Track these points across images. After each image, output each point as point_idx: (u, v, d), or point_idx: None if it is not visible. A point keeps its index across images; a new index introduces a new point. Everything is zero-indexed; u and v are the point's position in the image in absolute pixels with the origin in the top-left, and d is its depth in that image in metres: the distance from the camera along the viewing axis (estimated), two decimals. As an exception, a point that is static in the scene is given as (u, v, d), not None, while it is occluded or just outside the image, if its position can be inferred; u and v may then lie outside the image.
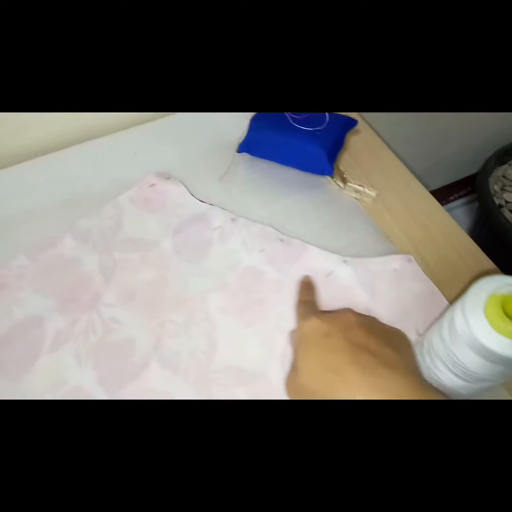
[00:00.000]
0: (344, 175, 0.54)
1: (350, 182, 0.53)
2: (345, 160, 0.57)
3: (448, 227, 0.53)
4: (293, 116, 0.52)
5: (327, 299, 0.45)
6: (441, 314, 0.37)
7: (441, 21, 0.29)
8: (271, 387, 0.40)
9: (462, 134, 1.11)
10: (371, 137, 0.60)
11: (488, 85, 0.31)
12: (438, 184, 1.27)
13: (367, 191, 0.53)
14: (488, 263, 0.50)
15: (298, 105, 0.33)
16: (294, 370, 0.34)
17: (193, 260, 0.48)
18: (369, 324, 0.34)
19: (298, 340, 0.35)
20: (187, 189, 0.52)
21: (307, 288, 0.45)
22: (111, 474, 0.23)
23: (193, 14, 0.29)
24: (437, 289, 0.46)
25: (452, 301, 0.45)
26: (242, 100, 0.32)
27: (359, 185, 0.53)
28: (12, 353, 0.41)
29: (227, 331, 0.43)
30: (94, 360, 0.41)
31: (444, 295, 0.46)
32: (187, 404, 0.26)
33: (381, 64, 0.31)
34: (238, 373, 0.41)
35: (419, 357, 0.39)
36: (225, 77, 0.31)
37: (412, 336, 0.42)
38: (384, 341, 0.33)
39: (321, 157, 0.51)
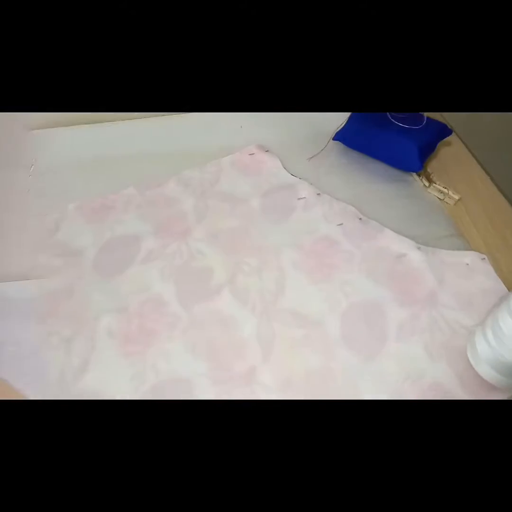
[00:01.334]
0: (431, 176, 0.57)
1: (436, 183, 0.56)
2: (433, 166, 0.60)
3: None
4: (393, 113, 0.56)
5: (396, 278, 0.47)
6: (503, 298, 0.38)
7: None
8: (326, 336, 0.43)
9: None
10: (461, 150, 0.62)
11: None
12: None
13: (451, 193, 0.55)
14: None
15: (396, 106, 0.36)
16: None
17: (275, 220, 0.52)
18: None
19: None
20: (282, 163, 0.58)
21: None
22: (124, 471, 0.25)
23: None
24: (506, 289, 0.47)
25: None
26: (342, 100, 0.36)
27: (444, 187, 0.55)
28: (110, 257, 0.47)
29: (295, 281, 0.47)
30: (176, 278, 0.46)
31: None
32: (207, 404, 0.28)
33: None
34: (298, 317, 0.44)
35: (481, 341, 0.39)
36: (325, 80, 0.34)
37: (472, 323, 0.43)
38: None
39: (413, 152, 0.54)
